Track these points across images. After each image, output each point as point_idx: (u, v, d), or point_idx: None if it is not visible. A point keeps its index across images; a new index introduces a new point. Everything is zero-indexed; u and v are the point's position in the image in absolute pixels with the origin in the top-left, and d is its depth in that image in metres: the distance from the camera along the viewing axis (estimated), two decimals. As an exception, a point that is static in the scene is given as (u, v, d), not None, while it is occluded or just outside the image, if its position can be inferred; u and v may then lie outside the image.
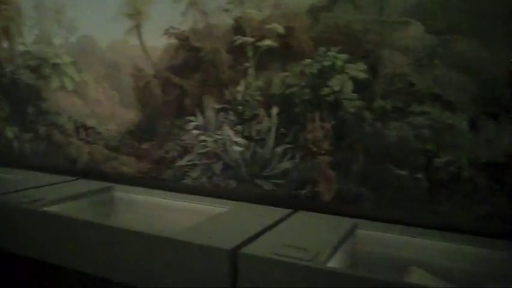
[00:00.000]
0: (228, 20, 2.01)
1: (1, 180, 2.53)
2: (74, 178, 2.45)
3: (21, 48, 2.66)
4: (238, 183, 2.05)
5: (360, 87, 1.75)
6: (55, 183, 2.35)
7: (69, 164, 2.54)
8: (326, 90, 1.81)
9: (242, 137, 2.03)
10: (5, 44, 2.72)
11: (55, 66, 2.53)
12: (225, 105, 2.06)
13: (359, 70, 1.74)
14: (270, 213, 1.83)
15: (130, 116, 2.32)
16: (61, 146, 2.56)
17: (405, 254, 1.62)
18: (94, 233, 1.70)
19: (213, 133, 2.10)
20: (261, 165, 1.99)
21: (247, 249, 1.43)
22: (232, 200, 2.04)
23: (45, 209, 1.94)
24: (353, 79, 1.75)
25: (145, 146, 2.29)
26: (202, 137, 2.12)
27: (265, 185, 1.99)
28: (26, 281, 1.97)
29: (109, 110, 2.39)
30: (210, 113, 2.09)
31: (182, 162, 2.18)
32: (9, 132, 2.75)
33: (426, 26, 1.63)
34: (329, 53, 1.78)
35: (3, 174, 2.64)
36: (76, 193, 2.16)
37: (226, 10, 2.01)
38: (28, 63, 2.63)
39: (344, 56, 1.76)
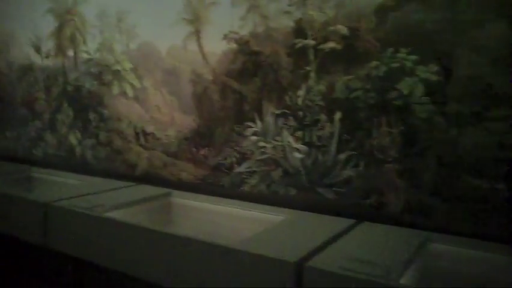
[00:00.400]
0: (288, 23, 1.96)
1: (64, 186, 2.60)
2: (133, 183, 2.47)
3: (84, 56, 2.73)
4: (298, 191, 1.98)
5: (432, 90, 1.63)
6: (115, 189, 2.38)
7: (129, 169, 2.57)
8: (393, 94, 1.70)
9: (302, 143, 1.95)
10: (70, 52, 2.81)
11: (116, 72, 2.58)
12: (285, 111, 1.99)
13: (430, 72, 1.62)
14: (333, 224, 1.75)
15: (188, 121, 2.31)
16: (121, 152, 2.60)
17: (483, 271, 1.48)
18: (153, 239, 1.68)
19: (272, 139, 2.04)
20: (322, 172, 1.91)
21: (313, 262, 1.35)
22: (291, 208, 1.97)
23: (106, 214, 1.96)
24: (424, 82, 1.64)
25: (203, 152, 2.27)
26: (261, 143, 2.07)
27: (326, 193, 1.90)
28: (85, 285, 1.99)
29: (167, 115, 2.40)
30: (269, 119, 2.04)
31: (241, 168, 2.14)
32: (73, 138, 2.83)
33: (508, 22, 1.49)
34: (398, 54, 1.68)
35: (66, 179, 2.72)
36: (135, 199, 2.17)
37: (287, 12, 1.96)
38: (91, 70, 2.70)
39: (414, 57, 1.65)
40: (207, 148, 2.25)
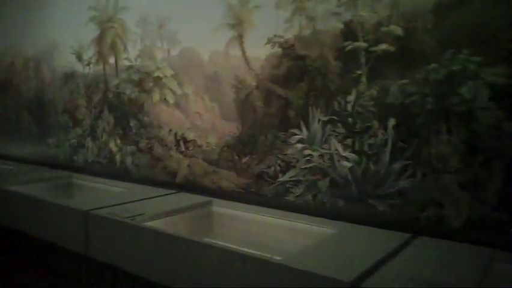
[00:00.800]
0: (337, 25, 1.86)
1: (105, 193, 2.57)
2: (174, 191, 2.42)
3: (126, 63, 2.71)
4: (346, 203, 1.87)
5: (499, 94, 1.49)
6: (155, 197, 2.33)
7: (169, 177, 2.52)
8: (454, 99, 1.57)
9: (352, 152, 1.84)
10: (112, 60, 2.80)
11: (157, 79, 2.54)
12: (333, 117, 1.89)
13: (498, 75, 1.48)
14: (387, 238, 1.62)
15: (230, 128, 2.24)
16: (161, 159, 2.55)
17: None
18: (193, 250, 1.61)
19: (319, 147, 1.93)
20: (374, 183, 1.79)
21: (369, 283, 1.23)
22: (339, 220, 1.86)
23: (146, 224, 1.91)
24: (490, 85, 1.50)
25: (245, 160, 2.19)
26: (307, 151, 1.97)
27: (379, 205, 1.78)
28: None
29: (209, 122, 2.33)
30: (316, 126, 1.94)
31: (285, 177, 2.04)
32: (113, 145, 2.81)
33: None
34: (459, 55, 1.55)
35: (106, 186, 2.70)
36: (175, 207, 2.11)
37: (336, 14, 1.86)
38: (131, 77, 2.68)
39: (478, 59, 1.52)
40: (249, 156, 2.17)
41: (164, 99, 2.52)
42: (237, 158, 2.22)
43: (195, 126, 2.39)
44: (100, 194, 2.56)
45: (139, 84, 2.64)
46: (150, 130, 2.61)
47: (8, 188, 2.66)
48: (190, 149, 2.42)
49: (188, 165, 2.42)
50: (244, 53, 2.15)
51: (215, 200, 2.25)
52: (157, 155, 2.58)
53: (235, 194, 2.23)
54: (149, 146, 2.61)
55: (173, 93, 2.48)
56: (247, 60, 2.14)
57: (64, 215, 2.15)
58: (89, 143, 2.97)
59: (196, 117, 2.39)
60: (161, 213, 2.04)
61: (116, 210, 2.04)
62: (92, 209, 2.05)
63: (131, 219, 1.89)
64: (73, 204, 2.15)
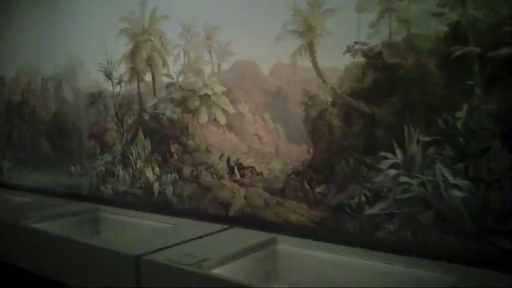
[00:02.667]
0: (439, 27, 1.55)
1: (147, 230, 2.23)
2: (226, 226, 2.08)
3: (165, 80, 2.40)
4: (459, 240, 1.54)
5: None
6: (209, 234, 1.99)
7: (220, 209, 2.18)
8: None
9: (465, 179, 1.52)
10: (148, 77, 2.49)
11: (205, 97, 2.23)
12: (438, 137, 1.57)
13: None
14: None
15: (298, 152, 1.92)
16: (211, 189, 2.22)
17: None
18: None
19: (419, 173, 1.61)
20: (496, 216, 1.46)
21: None
22: (450, 262, 1.52)
23: (215, 271, 1.57)
24: None
25: (319, 189, 1.86)
26: (403, 179, 1.64)
27: (504, 243, 1.44)
28: None
29: (271, 146, 2.01)
30: (414, 148, 1.62)
31: (374, 210, 1.71)
32: (150, 173, 2.48)
33: None
34: None
35: (145, 221, 2.37)
36: (240, 248, 1.78)
37: (437, 15, 1.56)
38: (172, 96, 2.37)
39: None
40: (324, 184, 1.84)
41: (214, 119, 2.20)
42: (308, 187, 1.89)
43: (253, 151, 2.07)
44: (141, 232, 2.21)
45: (182, 103, 2.33)
46: (196, 155, 2.28)
47: (31, 225, 2.32)
48: (247, 176, 2.09)
49: (245, 196, 2.09)
50: (315, 63, 1.85)
51: (280, 237, 1.92)
52: (205, 184, 2.25)
53: (306, 229, 1.89)
54: (195, 173, 2.28)
55: (225, 112, 2.16)
56: (320, 72, 1.84)
57: (107, 260, 1.80)
58: (120, 171, 2.64)
59: (255, 140, 2.06)
60: (227, 256, 1.71)
61: (173, 255, 1.69)
62: (144, 254, 1.71)
63: (197, 267, 1.55)
64: (118, 248, 1.81)
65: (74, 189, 2.95)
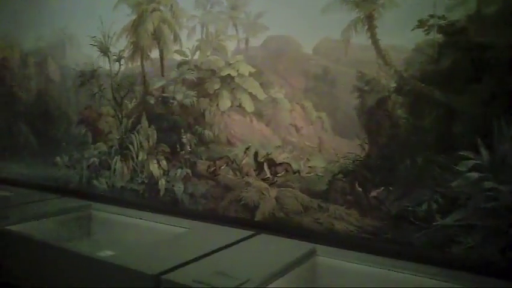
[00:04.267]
0: (546, -2, 1.25)
1: (161, 235, 1.87)
2: (252, 233, 1.75)
3: (177, 57, 2.03)
4: None
5: None
6: (236, 243, 1.66)
7: (243, 212, 1.84)
8: None
9: None
10: (154, 54, 2.11)
11: (227, 79, 1.87)
12: (539, 134, 1.27)
13: None
14: None
15: (348, 147, 1.60)
16: (232, 188, 1.87)
17: None
18: None
19: (511, 178, 1.31)
20: None
21: None
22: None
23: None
24: None
25: (375, 192, 1.54)
26: (489, 184, 1.34)
27: None
28: None
29: (312, 139, 1.68)
30: (507, 147, 1.31)
31: (448, 220, 1.41)
32: (155, 167, 2.11)
33: None
34: None
35: (153, 223, 2.00)
36: (281, 264, 1.45)
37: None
38: (185, 76, 1.99)
39: None
40: (382, 188, 1.53)
41: (239, 106, 1.84)
42: (360, 189, 1.57)
43: (289, 144, 1.73)
44: (149, 238, 1.84)
45: (198, 86, 1.96)
46: (214, 148, 1.93)
47: (8, 227, 1.93)
48: (279, 175, 1.75)
49: (276, 198, 1.75)
50: (376, 41, 1.52)
51: (320, 248, 1.60)
52: (225, 182, 1.90)
53: (355, 240, 1.58)
54: (212, 169, 1.93)
55: (254, 98, 1.81)
56: (381, 52, 1.51)
57: (116, 278, 1.44)
58: (117, 163, 2.26)
59: (291, 131, 1.73)
60: (267, 276, 1.37)
61: (201, 272, 1.35)
62: (164, 272, 1.36)
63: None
64: (128, 261, 1.44)
65: (59, 182, 2.54)
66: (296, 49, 1.70)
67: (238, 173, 1.86)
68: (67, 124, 2.51)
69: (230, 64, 1.86)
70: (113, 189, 2.29)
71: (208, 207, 1.95)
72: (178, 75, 2.02)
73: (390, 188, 1.52)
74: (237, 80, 1.85)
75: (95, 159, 2.36)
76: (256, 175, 1.81)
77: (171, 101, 2.05)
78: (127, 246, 1.89)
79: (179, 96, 2.02)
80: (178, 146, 2.03)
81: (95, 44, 2.32)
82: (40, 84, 2.65)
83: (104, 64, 2.30)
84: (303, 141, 1.70)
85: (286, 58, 1.72)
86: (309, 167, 1.68)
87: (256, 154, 1.81)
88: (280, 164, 1.75)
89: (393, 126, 1.50)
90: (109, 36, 2.26)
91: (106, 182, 2.32)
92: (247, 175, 1.83)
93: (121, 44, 2.23)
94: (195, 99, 1.97)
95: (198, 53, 1.96)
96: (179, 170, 2.03)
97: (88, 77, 2.37)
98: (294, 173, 1.71)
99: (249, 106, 1.82)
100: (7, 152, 2.83)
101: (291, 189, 1.73)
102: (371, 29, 1.52)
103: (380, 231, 1.54)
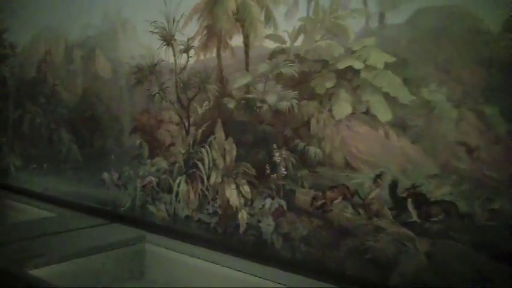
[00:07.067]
0: None
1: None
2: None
3: (268, 45, 1.47)
4: None
5: None
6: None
7: (370, 270, 1.24)
8: None
9: None
10: (236, 40, 1.56)
11: (346, 74, 1.29)
12: None
13: None
14: None
15: None
16: (352, 233, 1.28)
17: None
18: None
19: None
20: None
21: None
22: None
23: None
24: None
25: None
26: None
27: None
28: None
29: (497, 167, 1.06)
30: None
31: None
32: (233, 193, 1.55)
33: None
34: None
35: (235, 272, 1.45)
36: None
37: None
38: (281, 71, 1.42)
39: None
40: None
41: (365, 112, 1.25)
42: None
43: (454, 173, 1.12)
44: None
45: (300, 83, 1.39)
46: (324, 172, 1.34)
47: (32, 271, 1.46)
48: (434, 219, 1.14)
49: (428, 254, 1.14)
50: None
51: None
52: (340, 223, 1.31)
53: None
54: (319, 202, 1.35)
55: (391, 101, 1.21)
56: None
57: None
58: (181, 185, 1.72)
59: (458, 153, 1.11)
60: None
61: None
62: None
63: None
64: None
65: (106, 204, 2.03)
66: (470, 26, 1.09)
67: (362, 211, 1.26)
68: (117, 132, 2.00)
69: (353, 52, 1.28)
70: (175, 219, 1.76)
71: (312, 257, 1.36)
72: (270, 69, 1.46)
73: None
74: (363, 74, 1.26)
75: (153, 178, 1.83)
76: (394, 216, 1.21)
77: (259, 104, 1.49)
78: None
79: (271, 99, 1.46)
80: (267, 167, 1.46)
81: (156, 30, 1.79)
82: (86, 83, 2.16)
83: (167, 57, 1.78)
84: (481, 170, 1.08)
85: (451, 40, 1.12)
86: (492, 210, 1.06)
87: (394, 185, 1.21)
88: (437, 202, 1.14)
89: None
90: (174, 20, 1.74)
91: (166, 209, 1.78)
92: (378, 215, 1.23)
93: (190, 30, 1.70)
94: (295, 102, 1.40)
95: (301, 37, 1.39)
96: (268, 201, 1.46)
97: (146, 73, 1.85)
98: (462, 217, 1.10)
99: (383, 113, 1.22)
100: (45, 163, 2.36)
101: (454, 242, 1.11)
102: None
103: None
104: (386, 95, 1.22)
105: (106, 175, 2.03)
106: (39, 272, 1.47)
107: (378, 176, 1.24)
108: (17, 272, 1.40)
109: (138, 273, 1.77)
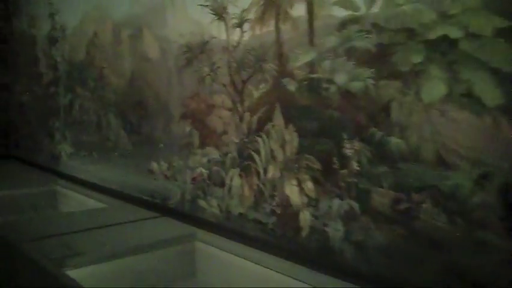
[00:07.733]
0: None
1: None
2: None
3: (337, 13, 1.21)
4: None
5: None
6: None
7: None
8: None
9: None
10: (298, 12, 1.31)
11: (439, 46, 1.02)
12: None
13: None
14: None
15: None
16: (444, 246, 1.02)
17: None
18: None
19: None
20: None
21: None
22: None
23: None
24: None
25: None
26: None
27: None
28: None
29: None
30: None
31: None
32: (294, 191, 1.32)
33: None
34: None
35: (297, 283, 1.23)
36: None
37: None
38: (353, 44, 1.17)
39: None
40: None
41: (464, 94, 0.98)
42: None
43: None
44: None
45: (378, 59, 1.13)
46: (408, 169, 1.08)
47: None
48: None
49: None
50: None
51: None
52: (428, 233, 1.05)
53: None
54: (402, 206, 1.09)
55: (503, 79, 0.93)
56: None
57: None
58: (235, 179, 1.52)
59: None
60: None
61: None
62: None
63: None
64: None
65: (154, 196, 1.88)
66: None
67: (459, 219, 0.99)
68: (166, 118, 1.83)
69: (449, 16, 1.00)
70: (228, 216, 1.57)
71: (391, 272, 1.11)
72: (339, 43, 1.20)
73: None
74: (463, 45, 0.98)
75: (203, 170, 1.65)
76: (507, 229, 0.93)
77: (325, 85, 1.24)
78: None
79: (340, 78, 1.21)
80: (336, 161, 1.22)
81: (207, 3, 1.58)
82: (134, 64, 2.00)
83: (219, 33, 1.56)
84: None
85: None
86: None
87: (506, 188, 0.93)
88: None
89: None
90: (226, -9, 1.52)
91: (218, 205, 1.60)
92: (482, 227, 0.96)
93: (244, 1, 1.47)
94: (370, 82, 1.14)
95: (379, 1, 1.12)
96: (336, 201, 1.23)
97: (196, 53, 1.65)
98: None
99: (490, 95, 0.95)
100: (95, 150, 2.25)
101: None
102: None
103: None
104: (494, 72, 0.94)
105: (154, 165, 1.88)
106: (78, 273, 1.34)
107: (483, 176, 0.96)
108: (53, 272, 1.27)
109: (189, 273, 1.63)
